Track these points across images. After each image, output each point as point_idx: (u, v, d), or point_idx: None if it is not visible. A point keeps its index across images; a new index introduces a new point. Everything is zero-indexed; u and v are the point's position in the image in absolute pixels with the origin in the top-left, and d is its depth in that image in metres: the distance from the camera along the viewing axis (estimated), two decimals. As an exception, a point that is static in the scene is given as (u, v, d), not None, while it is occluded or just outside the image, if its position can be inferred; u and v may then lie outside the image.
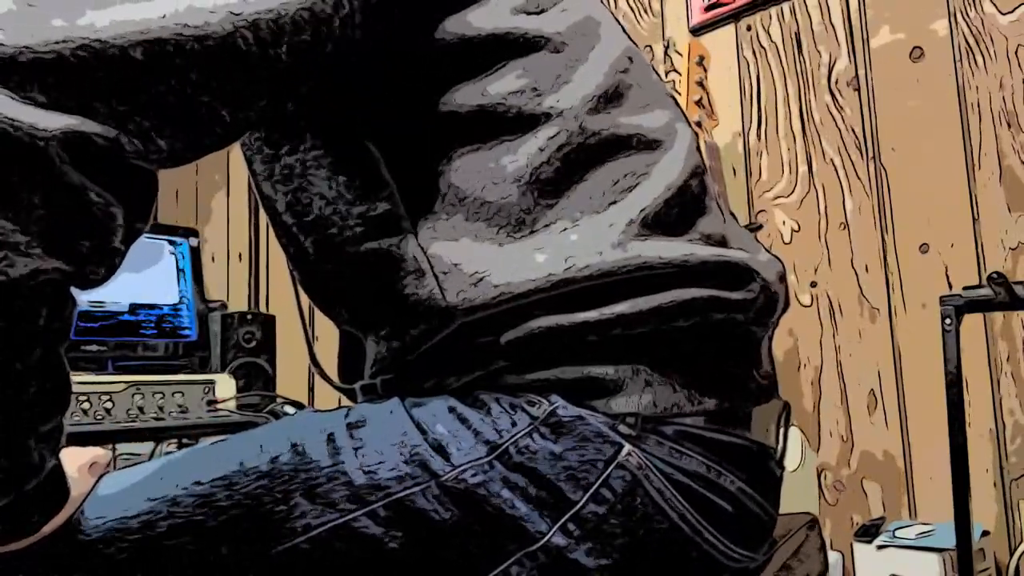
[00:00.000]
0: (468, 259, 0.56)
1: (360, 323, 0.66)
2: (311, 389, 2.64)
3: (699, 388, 0.56)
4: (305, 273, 0.68)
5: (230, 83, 0.46)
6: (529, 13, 0.60)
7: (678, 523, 0.54)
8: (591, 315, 0.54)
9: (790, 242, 1.84)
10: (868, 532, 1.50)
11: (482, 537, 0.52)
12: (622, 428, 0.53)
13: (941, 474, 1.43)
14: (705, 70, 1.73)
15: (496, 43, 0.58)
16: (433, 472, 0.52)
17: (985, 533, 1.47)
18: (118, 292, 1.53)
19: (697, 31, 2.03)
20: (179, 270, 1.63)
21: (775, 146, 1.88)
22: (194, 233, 1.70)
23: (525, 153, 0.57)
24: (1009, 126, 1.56)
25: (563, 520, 0.52)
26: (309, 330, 0.82)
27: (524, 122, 0.58)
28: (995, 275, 1.14)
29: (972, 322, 1.52)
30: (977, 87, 1.60)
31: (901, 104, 1.70)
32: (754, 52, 1.94)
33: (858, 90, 1.76)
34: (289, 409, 1.37)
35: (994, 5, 1.59)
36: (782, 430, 0.65)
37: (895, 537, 1.45)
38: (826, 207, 1.79)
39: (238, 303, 2.95)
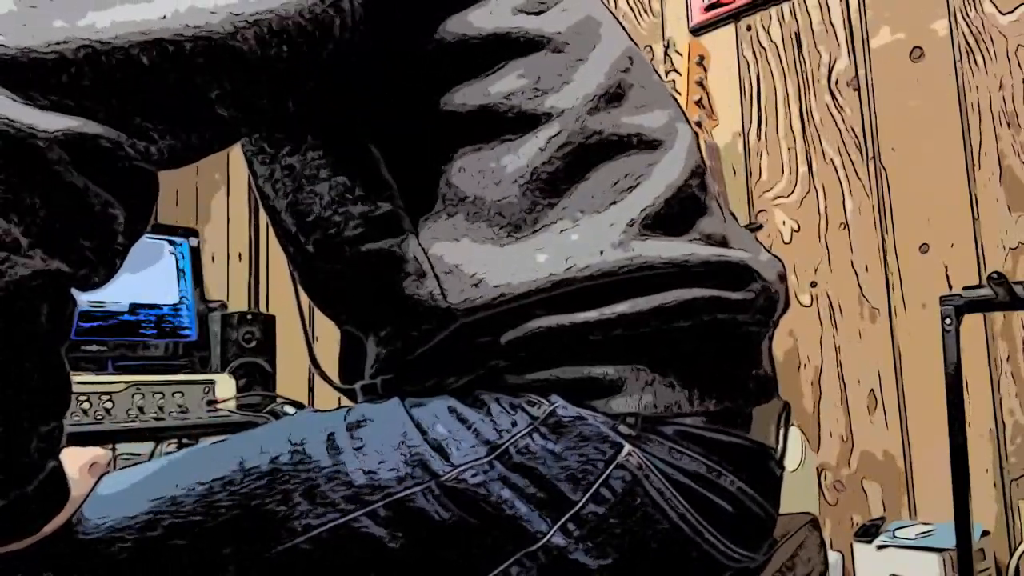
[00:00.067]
0: (469, 259, 0.56)
1: (361, 323, 0.66)
2: (311, 389, 2.64)
3: (699, 388, 0.56)
4: (305, 273, 0.68)
5: (231, 84, 0.46)
6: (530, 13, 0.60)
7: (678, 523, 0.54)
8: (591, 315, 0.54)
9: (790, 242, 1.84)
10: (868, 532, 1.50)
11: (482, 537, 0.52)
12: (622, 428, 0.53)
13: (941, 474, 1.43)
14: (705, 70, 1.73)
15: (497, 43, 0.58)
16: (433, 472, 0.52)
17: (985, 533, 1.47)
18: (118, 292, 1.53)
19: (697, 31, 2.03)
20: (179, 270, 1.63)
21: (775, 146, 1.88)
22: (194, 233, 1.70)
23: (526, 153, 0.57)
24: (1009, 126, 1.56)
25: (563, 520, 0.52)
26: (309, 330, 0.82)
27: (525, 122, 0.58)
28: (995, 275, 1.14)
29: (972, 322, 1.53)
30: (977, 87, 1.60)
31: (901, 104, 1.70)
32: (754, 52, 1.94)
33: (858, 90, 1.76)
34: (289, 409, 1.37)
35: (994, 5, 1.59)
36: (782, 430, 0.65)
37: (895, 537, 1.45)
38: (826, 207, 1.79)
39: (238, 303, 2.95)
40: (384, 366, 0.62)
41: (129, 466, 0.59)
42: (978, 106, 1.60)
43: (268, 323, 1.60)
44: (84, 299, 1.42)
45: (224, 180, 3.13)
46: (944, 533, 1.41)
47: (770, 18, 1.92)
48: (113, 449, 1.34)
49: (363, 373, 0.67)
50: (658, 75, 0.70)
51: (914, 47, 1.69)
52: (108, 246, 0.43)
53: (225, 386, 1.29)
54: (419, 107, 0.58)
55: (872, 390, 1.69)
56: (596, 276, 0.54)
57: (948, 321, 1.21)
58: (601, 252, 0.55)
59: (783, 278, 0.67)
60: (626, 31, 0.69)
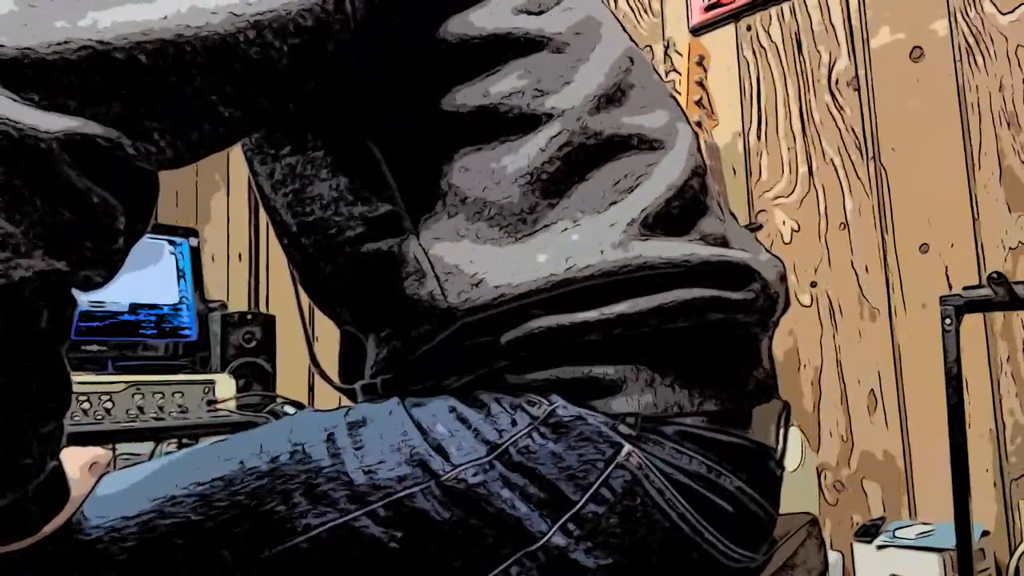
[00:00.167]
0: (469, 260, 0.56)
1: (361, 323, 0.66)
2: (311, 389, 2.64)
3: (699, 388, 0.56)
4: (306, 273, 0.68)
5: (232, 84, 0.45)
6: (531, 13, 0.60)
7: (678, 523, 0.54)
8: (591, 315, 0.54)
9: (790, 242, 1.84)
10: (868, 532, 1.50)
11: (482, 537, 0.52)
12: (622, 428, 0.53)
13: (941, 474, 1.43)
14: (705, 70, 1.73)
15: (498, 43, 0.58)
16: (433, 472, 0.52)
17: (985, 533, 1.47)
18: (118, 292, 1.53)
19: (697, 31, 2.03)
20: (179, 270, 1.63)
21: (775, 146, 1.88)
22: (194, 233, 1.70)
23: (526, 153, 0.57)
24: (1009, 126, 1.56)
25: (563, 520, 0.52)
26: (309, 330, 0.82)
27: (526, 122, 0.58)
28: (995, 275, 1.14)
29: (972, 322, 1.53)
30: (977, 87, 1.60)
31: (901, 104, 1.70)
32: (754, 52, 1.94)
33: (858, 90, 1.76)
34: (289, 409, 1.37)
35: (994, 5, 1.59)
36: (782, 430, 0.65)
37: (895, 537, 1.45)
38: (826, 207, 1.79)
39: (238, 303, 2.95)
40: (384, 366, 0.63)
41: (129, 466, 0.59)
42: (978, 106, 1.60)
43: (268, 323, 1.60)
44: (84, 299, 1.42)
45: (224, 180, 3.13)
46: (944, 533, 1.41)
47: (770, 18, 1.92)
48: (113, 449, 1.34)
49: (363, 373, 0.67)
50: (658, 75, 0.70)
51: (914, 47, 1.69)
52: (109, 246, 0.43)
53: (225, 386, 1.29)
54: (420, 107, 0.58)
55: (872, 390, 1.69)
56: (596, 276, 0.54)
57: (948, 321, 1.21)
58: (601, 252, 0.55)
59: (783, 278, 0.67)
60: (626, 31, 0.70)
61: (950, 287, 1.59)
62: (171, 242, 1.63)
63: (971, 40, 1.61)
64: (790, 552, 0.72)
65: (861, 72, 1.76)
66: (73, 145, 0.39)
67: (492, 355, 0.56)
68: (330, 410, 0.59)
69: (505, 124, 0.57)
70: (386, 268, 0.59)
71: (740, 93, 1.95)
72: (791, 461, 1.58)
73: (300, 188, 0.62)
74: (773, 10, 1.91)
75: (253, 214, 2.98)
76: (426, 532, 0.51)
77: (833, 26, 1.81)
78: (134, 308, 1.54)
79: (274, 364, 1.59)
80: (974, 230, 1.59)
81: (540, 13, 0.61)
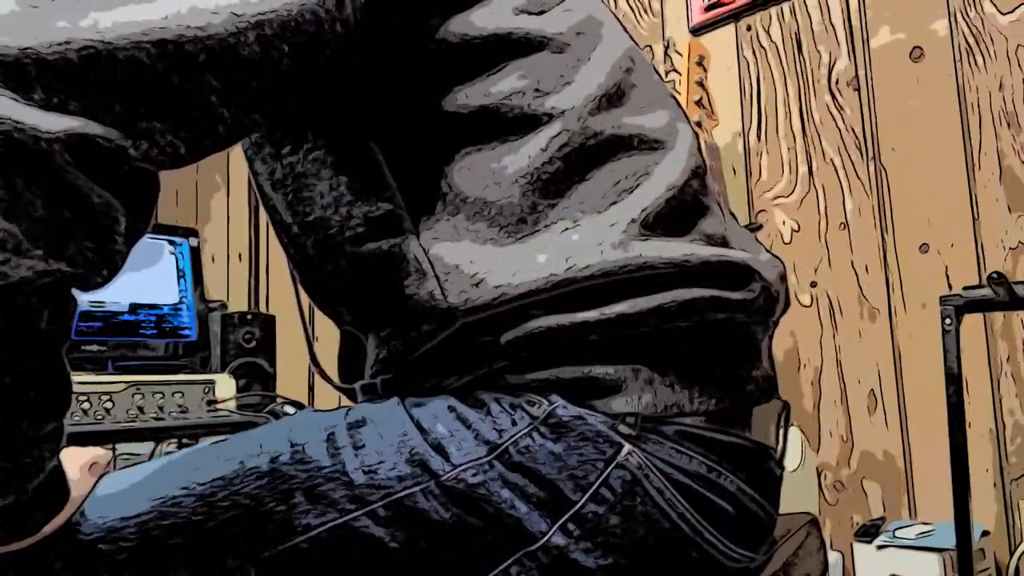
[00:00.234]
0: (469, 260, 0.56)
1: (361, 323, 0.66)
2: (311, 389, 2.64)
3: (699, 388, 0.56)
4: (306, 273, 0.68)
5: (232, 84, 0.45)
6: (531, 13, 0.60)
7: (678, 523, 0.54)
8: (591, 315, 0.54)
9: (790, 242, 1.84)
10: (868, 532, 1.50)
11: (482, 537, 0.52)
12: (622, 428, 0.53)
13: (941, 474, 1.43)
14: (705, 70, 1.73)
15: (498, 43, 0.58)
16: (433, 472, 0.52)
17: (985, 533, 1.47)
18: (118, 292, 1.53)
19: (697, 31, 2.03)
20: (179, 270, 1.63)
21: (775, 146, 1.89)
22: (194, 233, 1.70)
23: (527, 153, 0.57)
24: (1009, 126, 1.56)
25: (563, 520, 0.52)
26: (309, 330, 0.82)
27: (526, 122, 0.58)
28: (995, 275, 1.14)
29: (972, 322, 1.53)
30: (977, 87, 1.60)
31: (901, 104, 1.70)
32: (754, 52, 1.94)
33: (858, 90, 1.76)
34: (289, 409, 1.37)
35: (994, 5, 1.59)
36: (782, 430, 0.65)
37: (895, 537, 1.45)
38: (826, 207, 1.79)
39: (238, 303, 2.95)
40: (384, 366, 0.63)
41: (129, 466, 0.59)
42: (978, 106, 1.60)
43: (268, 323, 1.60)
44: (84, 299, 1.42)
45: (224, 180, 3.13)
46: (944, 533, 1.41)
47: (770, 18, 1.92)
48: (113, 449, 1.34)
49: (363, 373, 0.67)
50: (659, 75, 0.70)
51: (914, 47, 1.69)
52: (109, 246, 0.43)
53: (225, 386, 1.29)
54: (420, 107, 0.58)
55: (872, 390, 1.69)
56: (596, 276, 0.55)
57: (948, 321, 1.21)
58: (601, 252, 0.55)
59: (783, 278, 0.67)
60: (627, 31, 0.70)
61: (950, 287, 1.59)
62: (171, 242, 1.63)
63: (971, 40, 1.61)
64: (790, 552, 0.72)
65: (861, 72, 1.76)
66: (74, 145, 0.39)
67: (492, 355, 0.56)
68: (330, 410, 0.59)
69: (506, 124, 0.57)
70: (386, 268, 0.59)
71: (740, 93, 1.95)
72: (791, 461, 1.58)
73: (300, 187, 0.62)
74: (773, 10, 1.91)
75: (253, 214, 2.98)
76: (426, 532, 0.51)
77: (833, 26, 1.81)
78: (134, 308, 1.54)
79: (274, 364, 1.59)
80: (974, 230, 1.59)
81: (541, 13, 0.61)
